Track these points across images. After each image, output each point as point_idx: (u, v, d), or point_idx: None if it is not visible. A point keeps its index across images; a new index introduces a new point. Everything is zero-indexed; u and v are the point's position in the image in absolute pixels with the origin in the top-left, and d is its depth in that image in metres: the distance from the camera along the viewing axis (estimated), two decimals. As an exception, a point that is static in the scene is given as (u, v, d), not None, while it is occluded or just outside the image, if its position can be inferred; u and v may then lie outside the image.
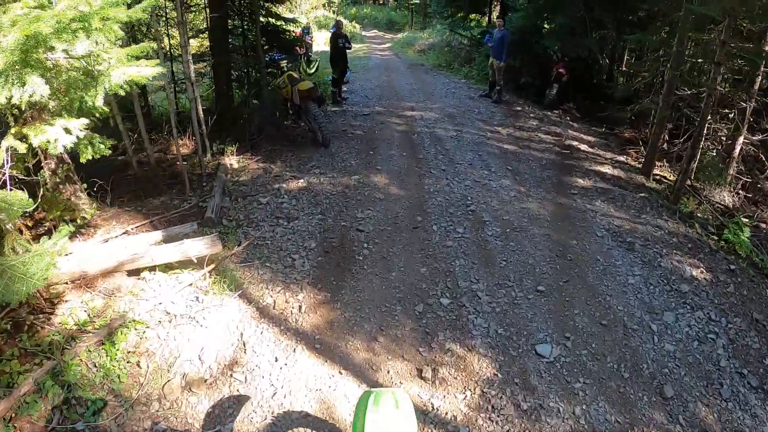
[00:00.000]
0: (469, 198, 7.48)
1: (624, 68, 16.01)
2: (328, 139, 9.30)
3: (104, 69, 3.70)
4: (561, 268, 6.04)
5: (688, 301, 5.85)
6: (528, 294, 5.51)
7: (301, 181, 7.85)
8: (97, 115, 4.57)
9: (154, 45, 7.38)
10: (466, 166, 8.62)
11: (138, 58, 3.83)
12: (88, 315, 4.98)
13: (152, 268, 5.43)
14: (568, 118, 12.82)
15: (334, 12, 35.94)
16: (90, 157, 4.57)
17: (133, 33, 10.53)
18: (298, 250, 6.06)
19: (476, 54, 17.58)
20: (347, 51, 12.48)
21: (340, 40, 12.13)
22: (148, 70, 3.65)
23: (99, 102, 3.63)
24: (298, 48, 19.25)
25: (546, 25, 13.72)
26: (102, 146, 4.68)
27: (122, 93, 3.72)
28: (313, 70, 12.71)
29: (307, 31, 23.10)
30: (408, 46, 26.16)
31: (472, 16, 19.83)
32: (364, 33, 33.82)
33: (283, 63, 9.65)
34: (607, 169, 9.40)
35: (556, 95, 13.09)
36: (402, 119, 11.31)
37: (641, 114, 11.84)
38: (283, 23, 11.89)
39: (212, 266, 5.58)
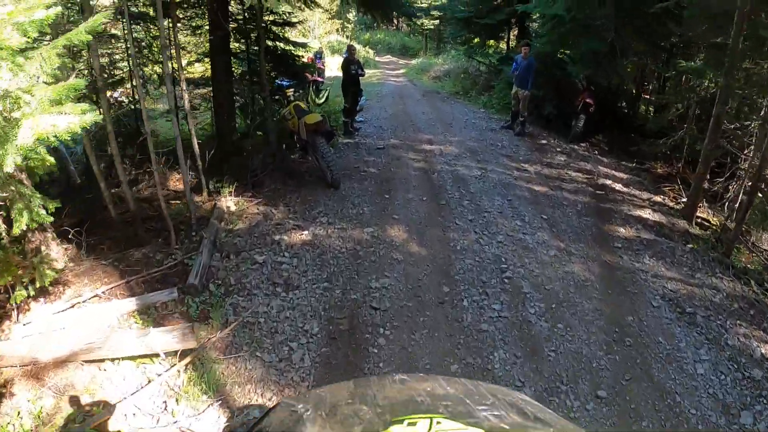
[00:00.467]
0: (503, 259, 6.28)
1: (650, 97, 14.97)
2: (338, 179, 8.19)
3: (22, 115, 2.59)
4: (621, 358, 4.82)
5: (764, 393, 4.72)
6: (587, 402, 4.27)
7: (306, 232, 6.68)
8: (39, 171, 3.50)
9: (83, 82, 6.31)
10: (495, 214, 7.44)
11: (61, 102, 2.67)
12: (34, 422, 3.86)
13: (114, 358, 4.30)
14: (596, 152, 11.70)
15: (347, 37, 35.21)
16: (24, 227, 3.47)
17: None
18: (297, 335, 4.82)
19: (495, 81, 16.53)
20: (360, 78, 11.46)
21: (352, 67, 11.09)
22: (67, 122, 2.50)
23: (8, 167, 2.50)
24: (308, 74, 18.35)
25: (569, 52, 12.64)
26: (42, 212, 3.57)
27: (35, 156, 2.61)
28: (322, 100, 11.48)
29: (319, 56, 22.22)
30: (422, 72, 25.22)
31: (490, 42, 18.85)
32: (377, 58, 33.02)
33: (290, 91, 8.59)
34: (647, 214, 8.25)
35: (583, 127, 11.99)
36: (420, 154, 10.21)
37: (674, 147, 10.75)
38: (292, 48, 10.89)
39: (188, 359, 4.40)
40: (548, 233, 7.00)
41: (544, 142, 11.79)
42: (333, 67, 25.02)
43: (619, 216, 8.04)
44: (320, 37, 32.49)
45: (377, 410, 1.23)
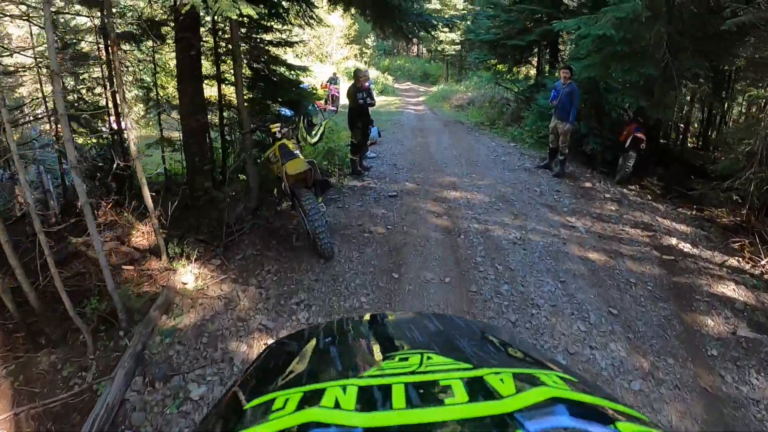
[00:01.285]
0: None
1: (699, 129, 12.77)
2: (330, 247, 6.06)
3: None
4: None
5: None
6: None
7: (273, 339, 4.58)
8: None
9: None
10: (547, 310, 5.17)
11: None
12: None
13: None
14: (648, 196, 9.51)
15: (365, 63, 33.52)
16: None
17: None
18: None
19: (526, 111, 14.43)
20: (369, 107, 9.55)
21: (359, 95, 9.22)
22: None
23: None
24: (320, 104, 16.34)
25: (613, 78, 10.51)
26: None
27: None
28: (315, 138, 9.10)
29: (334, 81, 20.46)
30: (444, 100, 23.25)
31: (519, 69, 16.81)
32: (396, 85, 31.23)
33: (275, 127, 6.58)
34: (731, 290, 6.00)
35: (633, 167, 9.85)
36: (441, 204, 8.11)
37: (739, 189, 8.52)
38: (288, 71, 8.95)
39: None
40: (624, 344, 4.71)
41: (588, 185, 9.63)
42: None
43: (701, 297, 5.82)
44: (338, 62, 30.85)
45: (370, 346, 1.25)
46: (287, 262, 6.15)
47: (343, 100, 17.49)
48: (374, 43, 37.57)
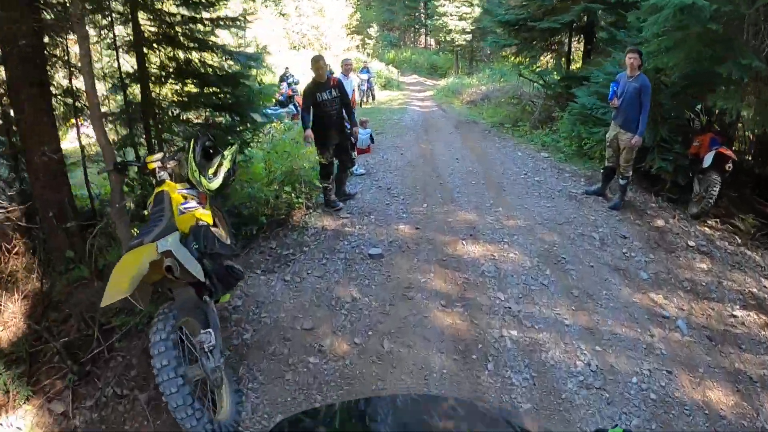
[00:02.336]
0: None
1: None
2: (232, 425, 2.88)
3: None
4: None
5: None
6: None
7: None
8: None
9: None
10: None
11: None
12: None
13: None
14: (737, 239, 6.36)
15: (368, 54, 30.22)
16: None
17: None
18: None
19: (559, 111, 11.16)
20: (350, 113, 6.48)
21: (321, 95, 6.17)
22: None
23: None
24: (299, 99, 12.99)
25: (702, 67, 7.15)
26: None
27: None
28: (215, 183, 5.15)
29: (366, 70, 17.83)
30: (454, 95, 19.96)
31: (547, 58, 13.48)
32: (402, 78, 27.95)
33: (153, 161, 3.39)
34: None
35: (717, 196, 6.62)
36: (452, 277, 4.97)
37: None
38: (221, 59, 5.80)
39: None
40: None
41: (660, 223, 6.39)
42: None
43: None
44: (337, 55, 27.58)
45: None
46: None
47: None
48: (378, 34, 34.25)
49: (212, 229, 3.64)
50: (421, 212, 6.51)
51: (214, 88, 5.79)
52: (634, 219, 6.49)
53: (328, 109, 6.26)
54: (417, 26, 40.29)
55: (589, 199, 7.06)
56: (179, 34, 5.41)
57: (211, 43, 5.64)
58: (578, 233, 5.93)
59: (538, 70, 13.13)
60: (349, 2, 33.62)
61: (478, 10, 27.85)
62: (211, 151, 4.11)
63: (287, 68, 16.87)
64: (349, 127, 6.74)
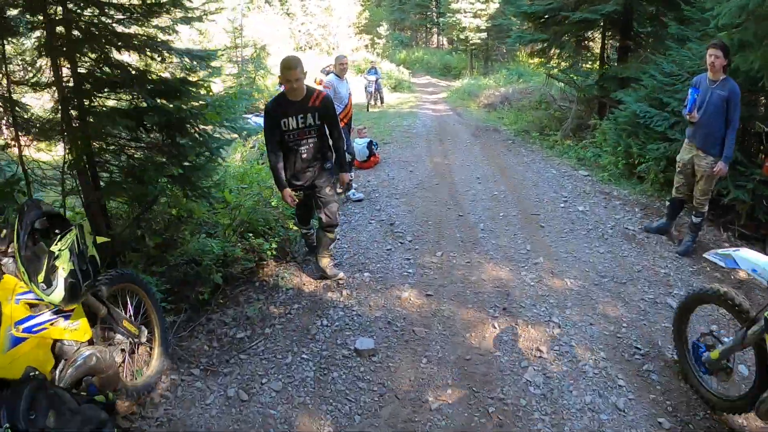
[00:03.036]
0: None
1: None
2: None
3: None
4: None
5: None
6: None
7: None
8: None
9: None
10: None
11: None
12: None
13: None
14: None
15: (377, 54, 28.42)
16: None
17: None
18: None
19: (597, 119, 9.32)
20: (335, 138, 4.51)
21: (288, 121, 3.96)
22: None
23: None
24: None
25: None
26: None
27: None
28: (56, 296, 3.01)
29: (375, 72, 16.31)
30: (469, 97, 18.11)
31: (579, 56, 11.57)
32: (413, 80, 26.13)
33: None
34: None
35: None
36: (479, 392, 3.18)
37: None
38: (165, 60, 4.07)
39: None
40: None
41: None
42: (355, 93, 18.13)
43: None
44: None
45: None
46: None
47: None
48: (387, 33, 32.44)
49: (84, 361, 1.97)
50: (434, 265, 4.71)
51: (145, 103, 4.07)
52: (712, 270, 4.65)
53: (295, 144, 4.01)
54: (429, 25, 38.38)
55: (651, 240, 5.23)
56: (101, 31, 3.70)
57: (141, 41, 3.93)
58: (650, 300, 4.11)
59: (565, 69, 11.23)
60: (358, 0, 31.86)
61: (493, 7, 25.95)
62: (56, 231, 2.36)
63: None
64: (330, 165, 4.29)
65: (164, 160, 4.21)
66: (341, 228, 5.70)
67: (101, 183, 4.05)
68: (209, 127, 4.36)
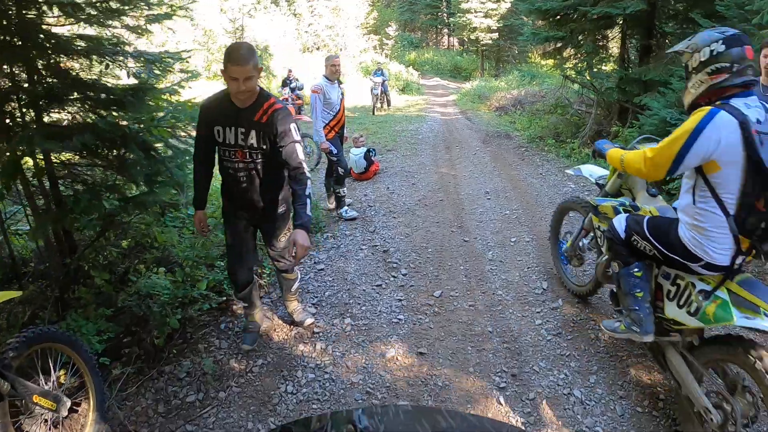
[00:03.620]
0: None
1: None
2: None
3: None
4: None
5: None
6: None
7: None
8: None
9: None
10: None
11: None
12: None
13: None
14: None
15: (386, 55, 27.61)
16: None
17: None
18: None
19: (617, 125, 8.46)
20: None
21: (225, 131, 2.87)
22: None
23: None
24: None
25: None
26: None
27: None
28: None
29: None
30: (480, 100, 17.28)
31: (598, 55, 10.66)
32: (422, 81, 25.35)
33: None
34: None
35: None
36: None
37: None
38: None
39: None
40: None
41: None
42: (361, 94, 17.37)
43: None
44: (354, 57, 25.11)
45: None
46: None
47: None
48: (396, 33, 31.61)
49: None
50: (431, 309, 3.87)
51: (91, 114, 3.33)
52: None
53: (231, 165, 2.93)
54: (439, 26, 37.50)
55: None
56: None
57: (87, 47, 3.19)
58: None
59: (581, 70, 10.33)
60: (366, 1, 31.04)
61: (504, 6, 25.08)
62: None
63: (290, 71, 14.28)
64: (283, 211, 3.19)
65: (114, 180, 3.48)
66: (327, 254, 4.91)
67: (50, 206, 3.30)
68: (182, 137, 3.59)
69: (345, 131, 6.08)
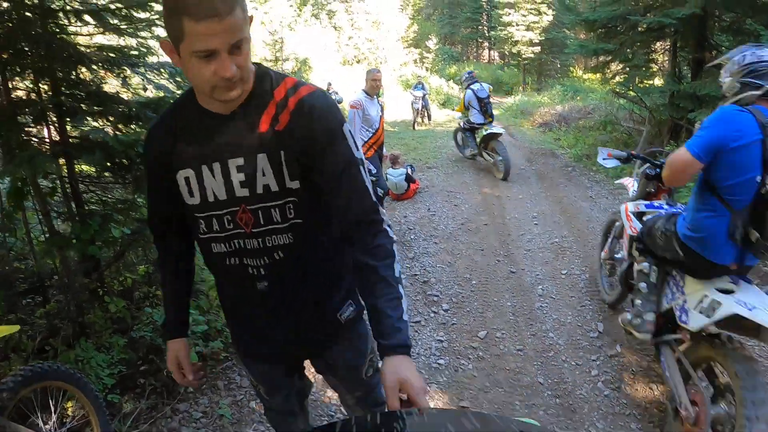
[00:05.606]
0: None
1: None
2: None
3: None
4: None
5: None
6: None
7: None
8: None
9: None
10: None
11: None
12: None
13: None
14: None
15: (426, 69, 27.40)
16: None
17: None
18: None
19: (672, 145, 7.95)
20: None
21: (191, 180, 1.31)
22: None
23: None
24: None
25: None
26: None
27: None
28: None
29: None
30: (522, 115, 16.83)
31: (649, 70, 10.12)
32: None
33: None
34: None
35: None
36: None
37: None
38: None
39: None
40: None
41: None
42: (400, 109, 17.10)
43: None
44: (394, 70, 24.99)
45: None
46: None
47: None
48: (437, 47, 31.38)
49: None
50: (474, 353, 3.51)
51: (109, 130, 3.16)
52: None
53: (228, 251, 1.36)
54: (479, 39, 37.11)
55: None
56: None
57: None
58: None
59: (629, 83, 9.80)
60: (406, 14, 30.97)
61: (546, 19, 24.54)
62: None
63: (330, 84, 14.17)
64: (352, 312, 1.53)
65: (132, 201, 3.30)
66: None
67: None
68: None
69: (384, 149, 5.81)
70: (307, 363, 1.74)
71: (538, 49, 25.39)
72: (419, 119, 15.74)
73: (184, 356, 1.57)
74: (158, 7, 3.04)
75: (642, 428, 2.80)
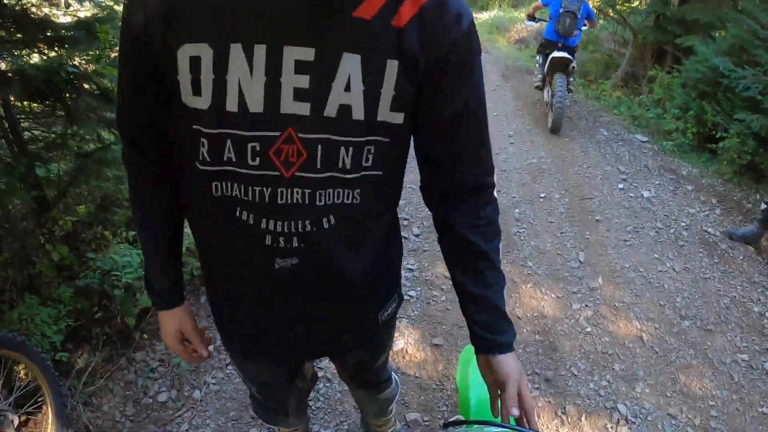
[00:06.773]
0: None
1: None
2: None
3: None
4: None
5: None
6: None
7: None
8: None
9: None
10: None
11: None
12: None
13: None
14: None
15: None
16: None
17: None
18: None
19: (656, 69, 7.56)
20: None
21: (200, 65, 0.73)
22: None
23: None
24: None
25: None
26: None
27: None
28: None
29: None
30: (498, 31, 16.06)
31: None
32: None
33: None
34: None
35: None
36: None
37: None
38: None
39: None
40: None
41: None
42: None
43: None
44: None
45: None
46: None
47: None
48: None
49: None
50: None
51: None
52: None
53: (238, 198, 0.81)
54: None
55: (736, 253, 3.69)
56: None
57: None
58: (744, 363, 2.66)
59: (611, 8, 9.14)
60: None
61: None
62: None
63: None
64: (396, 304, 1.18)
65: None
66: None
67: None
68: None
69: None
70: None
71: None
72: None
73: (191, 328, 1.09)
74: None
75: (625, 369, 2.57)
